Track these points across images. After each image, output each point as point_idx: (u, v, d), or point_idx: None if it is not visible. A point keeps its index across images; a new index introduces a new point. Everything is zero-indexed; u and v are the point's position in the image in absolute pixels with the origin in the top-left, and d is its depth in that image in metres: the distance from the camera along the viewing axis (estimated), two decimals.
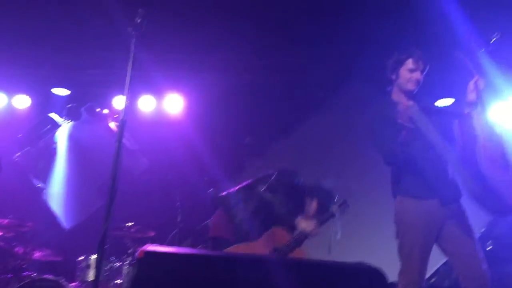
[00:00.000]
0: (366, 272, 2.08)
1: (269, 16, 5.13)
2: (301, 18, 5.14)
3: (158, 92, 6.10)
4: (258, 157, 6.30)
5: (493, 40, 2.82)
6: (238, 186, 4.24)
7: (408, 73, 3.08)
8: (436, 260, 5.74)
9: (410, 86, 3.08)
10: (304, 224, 3.87)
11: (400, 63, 3.11)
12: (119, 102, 5.94)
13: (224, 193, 4.26)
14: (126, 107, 2.76)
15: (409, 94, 3.11)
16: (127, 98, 2.76)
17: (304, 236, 3.85)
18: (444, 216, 2.94)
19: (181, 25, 5.17)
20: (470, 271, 2.87)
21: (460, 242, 2.91)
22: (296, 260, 3.12)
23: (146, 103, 6.10)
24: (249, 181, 4.17)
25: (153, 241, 4.98)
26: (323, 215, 3.96)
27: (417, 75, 3.08)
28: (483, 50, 3.03)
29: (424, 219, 2.92)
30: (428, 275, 5.86)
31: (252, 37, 5.40)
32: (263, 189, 4.05)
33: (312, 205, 4.01)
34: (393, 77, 3.14)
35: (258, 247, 3.74)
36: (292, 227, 3.91)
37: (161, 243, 4.78)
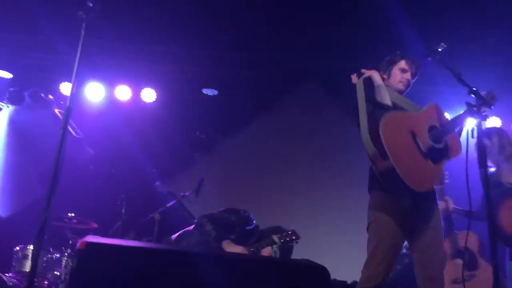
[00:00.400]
0: (310, 268, 2.12)
1: (225, 12, 5.11)
2: (257, 17, 5.15)
3: (107, 80, 5.94)
4: (208, 151, 6.29)
5: (440, 48, 2.91)
6: (178, 233, 4.35)
7: (400, 73, 3.14)
8: None
9: (400, 86, 3.13)
10: (229, 248, 3.95)
11: (393, 63, 3.17)
12: (66, 88, 5.74)
13: (171, 237, 4.35)
14: (72, 94, 2.67)
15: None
16: (73, 85, 2.66)
17: None
18: (417, 214, 2.96)
19: (135, 13, 5.05)
20: (429, 271, 2.90)
21: (427, 241, 2.94)
22: (242, 256, 3.14)
23: (95, 91, 5.92)
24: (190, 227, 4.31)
25: (96, 233, 4.86)
26: (260, 242, 4.05)
27: (408, 75, 3.14)
28: (429, 59, 3.13)
29: (396, 214, 2.93)
30: None
31: (207, 32, 5.36)
32: (204, 215, 4.20)
33: (267, 250, 4.09)
34: (385, 76, 3.19)
35: None
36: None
37: (104, 235, 4.67)
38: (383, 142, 2.75)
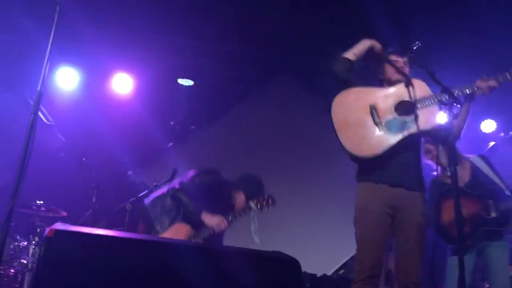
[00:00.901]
0: (281, 260, 2.13)
1: (202, 3, 5.06)
2: (235, 8, 5.12)
3: (80, 66, 5.81)
4: (182, 142, 6.25)
5: (415, 47, 2.95)
6: (154, 196, 4.34)
7: (391, 65, 3.15)
8: (345, 253, 6.04)
9: (397, 76, 3.13)
10: (207, 220, 3.94)
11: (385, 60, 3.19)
12: (37, 72, 5.60)
13: (145, 203, 4.34)
14: (44, 78, 2.61)
15: None
16: (45, 69, 2.60)
17: (208, 231, 3.97)
18: (401, 204, 2.97)
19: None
20: (407, 264, 2.93)
21: (407, 235, 2.96)
22: (213, 247, 3.13)
23: (67, 77, 5.77)
24: (165, 188, 4.29)
25: (65, 221, 4.77)
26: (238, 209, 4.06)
27: (400, 63, 3.14)
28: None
29: (379, 203, 2.96)
30: (336, 267, 6.15)
31: (184, 22, 5.31)
32: (176, 188, 4.14)
33: (239, 198, 4.09)
34: (382, 77, 3.20)
35: None
36: (198, 223, 4.01)
37: (74, 224, 4.59)
38: (332, 113, 3.05)
